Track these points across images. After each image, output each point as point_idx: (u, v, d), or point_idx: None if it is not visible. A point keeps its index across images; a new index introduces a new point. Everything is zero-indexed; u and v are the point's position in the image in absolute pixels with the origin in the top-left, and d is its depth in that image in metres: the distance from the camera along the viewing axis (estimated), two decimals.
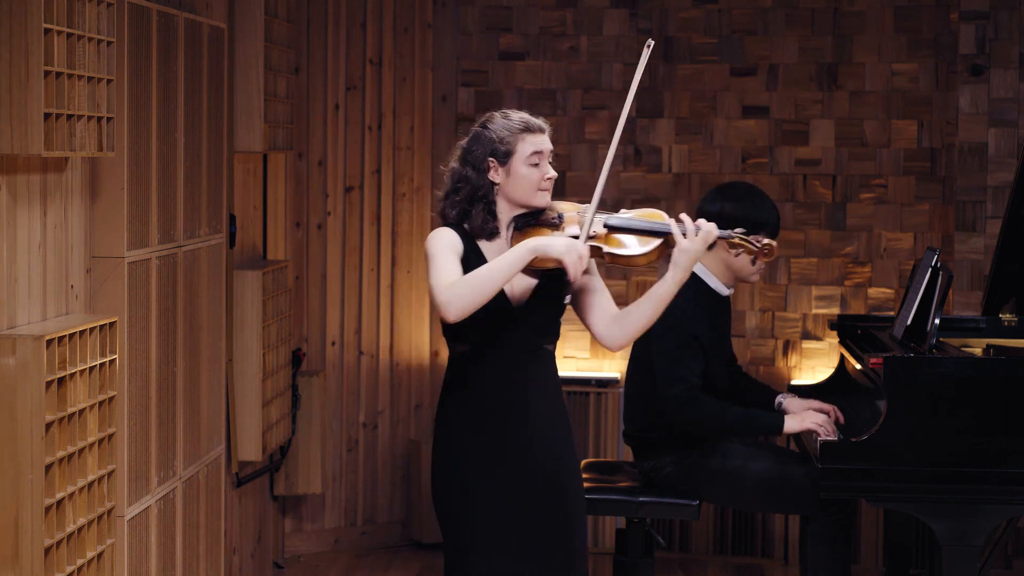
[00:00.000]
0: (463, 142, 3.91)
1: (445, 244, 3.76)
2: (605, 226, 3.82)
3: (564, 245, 3.63)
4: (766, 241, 3.89)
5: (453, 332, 3.84)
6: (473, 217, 3.82)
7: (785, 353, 6.57)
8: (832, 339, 6.44)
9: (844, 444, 4.42)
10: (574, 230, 3.80)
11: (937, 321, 4.56)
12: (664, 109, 6.65)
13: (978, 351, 4.83)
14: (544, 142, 3.84)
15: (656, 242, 3.80)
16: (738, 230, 3.91)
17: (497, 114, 3.90)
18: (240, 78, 5.44)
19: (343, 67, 6.48)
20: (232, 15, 5.40)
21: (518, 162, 3.81)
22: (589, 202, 3.84)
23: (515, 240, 3.83)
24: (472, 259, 3.80)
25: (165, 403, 4.52)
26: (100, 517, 3.84)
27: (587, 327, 3.93)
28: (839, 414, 4.93)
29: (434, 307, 3.67)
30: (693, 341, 4.88)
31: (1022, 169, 4.99)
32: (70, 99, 3.67)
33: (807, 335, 6.56)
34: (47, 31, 3.55)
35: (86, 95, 3.75)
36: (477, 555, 3.83)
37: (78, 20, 3.71)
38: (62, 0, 3.63)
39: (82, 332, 3.74)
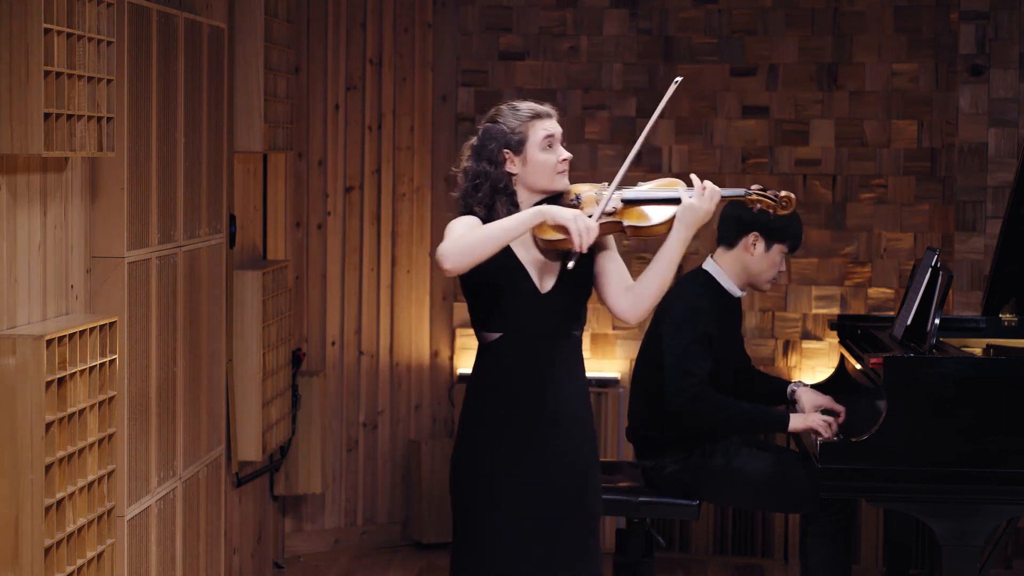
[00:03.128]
0: (474, 141, 3.92)
1: (466, 224, 3.79)
2: (622, 200, 3.84)
3: (571, 213, 3.65)
4: (784, 193, 3.89)
5: (483, 320, 3.84)
6: (498, 210, 3.83)
7: (785, 353, 6.57)
8: (832, 339, 6.44)
9: (844, 444, 4.42)
10: (592, 209, 3.81)
11: (937, 321, 4.56)
12: (664, 109, 6.63)
13: (978, 351, 4.83)
14: (554, 126, 3.88)
15: (673, 209, 3.82)
16: (755, 187, 3.90)
17: (504, 107, 3.92)
18: (240, 78, 5.44)
19: (343, 67, 6.48)
20: (232, 15, 5.40)
21: (533, 149, 3.84)
22: (608, 183, 3.85)
23: (535, 230, 3.83)
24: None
25: (165, 403, 4.52)
26: (100, 517, 3.84)
27: (605, 304, 3.92)
28: (840, 413, 4.94)
29: (435, 265, 3.69)
30: (705, 338, 4.91)
31: (1022, 169, 4.99)
32: (70, 99, 3.67)
33: (807, 335, 6.56)
34: (47, 31, 3.55)
35: (86, 95, 3.75)
36: (495, 547, 3.82)
37: (78, 20, 3.71)
38: (62, 0, 3.63)
39: (82, 332, 3.74)
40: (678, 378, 4.87)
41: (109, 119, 3.88)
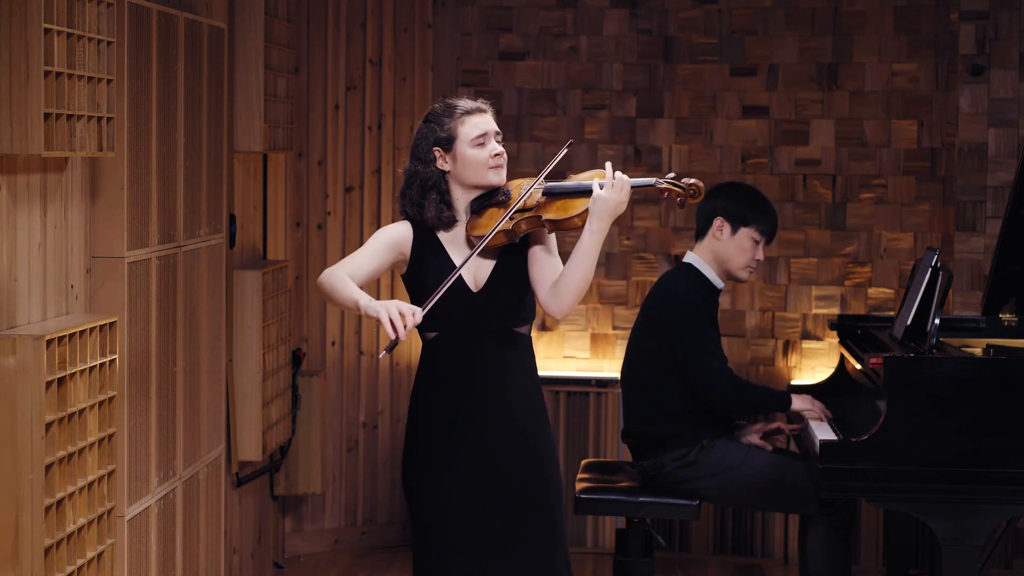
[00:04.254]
0: (412, 142, 3.92)
1: (378, 239, 3.84)
2: (543, 194, 3.80)
3: (383, 306, 3.59)
4: (691, 181, 3.80)
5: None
6: (427, 208, 3.82)
7: (785, 353, 6.57)
8: (832, 339, 6.44)
9: (844, 444, 4.42)
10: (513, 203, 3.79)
11: (937, 321, 4.56)
12: (664, 109, 6.65)
13: (978, 351, 4.83)
14: (487, 122, 3.84)
15: (588, 201, 3.75)
16: (669, 175, 3.85)
17: (438, 105, 3.91)
18: (240, 78, 5.44)
19: (343, 67, 6.48)
20: (232, 15, 5.40)
21: (462, 145, 3.82)
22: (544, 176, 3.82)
23: (471, 223, 3.82)
24: (427, 252, 3.82)
25: (165, 403, 4.52)
26: (100, 517, 3.84)
27: (537, 299, 3.86)
28: (826, 412, 5.05)
29: None
30: (711, 323, 4.99)
31: (1022, 169, 4.99)
32: (70, 99, 3.67)
33: (807, 335, 6.56)
34: (47, 31, 3.55)
35: (86, 95, 3.75)
36: (445, 546, 3.81)
37: (78, 20, 3.71)
38: (62, 0, 3.63)
39: (82, 332, 3.74)
40: (706, 377, 4.96)
41: (109, 119, 3.88)
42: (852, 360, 5.11)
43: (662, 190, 3.81)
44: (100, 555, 3.83)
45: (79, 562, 3.72)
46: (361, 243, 6.56)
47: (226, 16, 5.33)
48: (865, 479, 4.37)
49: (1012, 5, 6.14)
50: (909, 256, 6.47)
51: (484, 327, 3.82)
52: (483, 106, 3.88)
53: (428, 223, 3.83)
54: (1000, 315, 5.24)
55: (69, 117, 3.67)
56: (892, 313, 6.17)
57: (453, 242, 3.84)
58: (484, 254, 3.80)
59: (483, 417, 3.82)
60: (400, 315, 3.56)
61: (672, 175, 3.86)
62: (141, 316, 4.32)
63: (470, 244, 3.82)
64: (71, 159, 4.02)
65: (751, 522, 6.51)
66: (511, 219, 3.76)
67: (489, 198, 3.85)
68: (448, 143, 3.82)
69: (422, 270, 3.81)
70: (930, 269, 4.78)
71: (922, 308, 4.79)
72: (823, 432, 4.81)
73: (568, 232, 3.84)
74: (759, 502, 5.18)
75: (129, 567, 4.23)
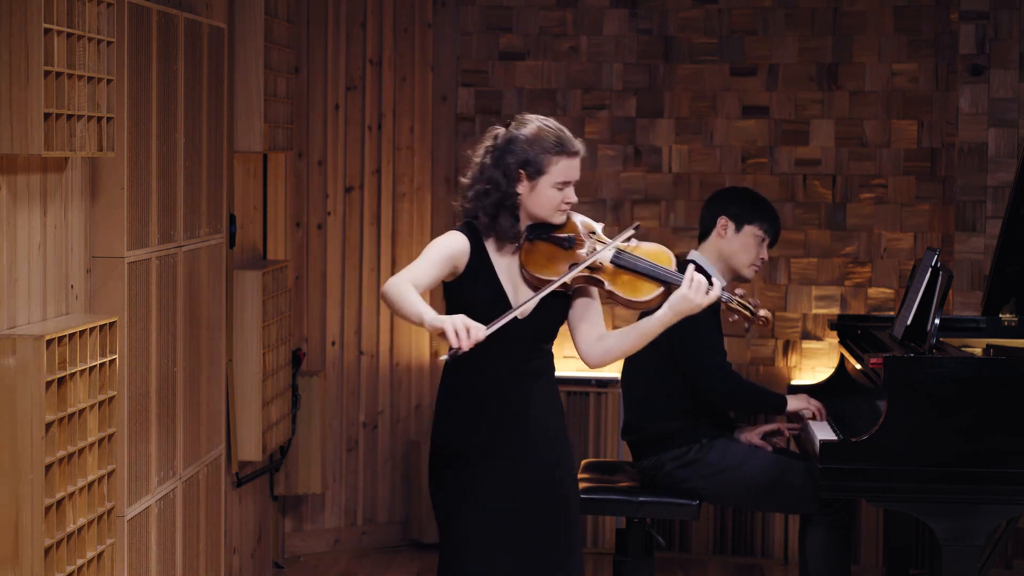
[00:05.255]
0: (497, 139, 3.88)
1: (439, 250, 3.79)
2: (612, 261, 3.84)
3: (449, 320, 3.56)
4: (763, 313, 3.90)
5: None
6: (500, 222, 3.84)
7: (785, 353, 6.57)
8: (832, 339, 6.44)
9: (844, 444, 4.42)
10: (581, 256, 3.82)
11: (937, 321, 4.56)
12: (664, 109, 6.65)
13: (978, 351, 4.83)
14: (575, 170, 3.85)
15: (659, 290, 3.82)
16: (739, 292, 3.92)
17: (536, 122, 3.87)
18: (240, 78, 5.44)
19: (343, 67, 6.48)
20: (232, 15, 5.40)
21: (545, 183, 3.82)
22: (603, 223, 3.90)
23: (526, 250, 3.84)
24: (480, 271, 3.82)
25: (165, 403, 4.52)
26: (100, 517, 3.84)
27: (574, 343, 3.95)
28: (822, 410, 5.07)
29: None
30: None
31: (1022, 169, 4.99)
32: (70, 99, 3.67)
33: (807, 335, 6.56)
34: (47, 31, 3.55)
35: (86, 95, 3.75)
36: (470, 553, 3.83)
37: (78, 20, 3.71)
38: (62, 0, 3.63)
39: (82, 332, 3.74)
40: (703, 364, 4.99)
41: (109, 119, 3.88)
42: (852, 360, 5.11)
43: (732, 310, 3.89)
44: (100, 555, 3.83)
45: (79, 562, 3.72)
46: (361, 243, 6.58)
47: (226, 16, 5.33)
48: (865, 479, 4.37)
49: (1012, 5, 6.14)
50: (909, 256, 6.47)
51: (518, 346, 3.85)
52: (579, 148, 3.87)
53: (496, 234, 3.84)
54: (1000, 315, 5.24)
55: (69, 117, 3.67)
56: (892, 313, 6.17)
57: (502, 259, 3.85)
58: (530, 286, 3.84)
59: (511, 424, 3.86)
60: (466, 329, 3.56)
61: (742, 293, 3.92)
62: (141, 316, 4.32)
63: (523, 274, 3.84)
64: (71, 159, 4.02)
65: (751, 522, 6.51)
66: (571, 270, 3.79)
67: (547, 231, 3.87)
68: (535, 173, 3.82)
69: (472, 290, 3.81)
70: (930, 269, 4.78)
71: (922, 308, 4.79)
72: (823, 432, 4.81)
73: (620, 305, 3.89)
74: (759, 502, 5.19)
75: (129, 567, 4.23)
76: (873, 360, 4.63)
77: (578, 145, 3.86)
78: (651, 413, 5.08)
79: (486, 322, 3.65)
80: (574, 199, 3.85)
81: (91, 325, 3.79)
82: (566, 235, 3.86)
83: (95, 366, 3.80)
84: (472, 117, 6.69)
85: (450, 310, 3.85)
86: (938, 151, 6.46)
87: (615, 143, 6.67)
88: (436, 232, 6.72)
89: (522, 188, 3.83)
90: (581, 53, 6.68)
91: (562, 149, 3.82)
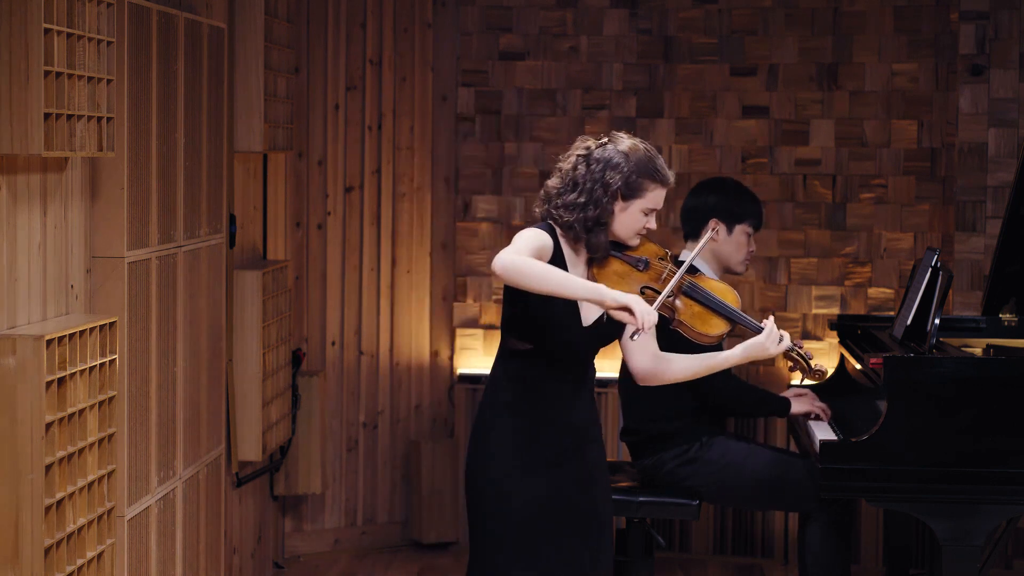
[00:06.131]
0: (592, 152, 3.88)
1: (531, 240, 3.78)
2: (683, 291, 3.96)
3: (634, 298, 3.66)
4: (816, 365, 4.09)
5: (519, 327, 3.87)
6: (595, 237, 3.87)
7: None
8: (832, 339, 6.44)
9: (844, 444, 4.42)
10: (655, 285, 3.91)
11: (937, 321, 4.56)
12: (664, 109, 6.65)
13: (978, 351, 4.83)
14: (662, 199, 3.93)
15: (727, 327, 3.99)
16: (799, 343, 4.10)
17: (643, 147, 3.90)
18: (240, 78, 5.44)
19: (343, 67, 6.48)
20: (232, 15, 5.40)
21: (635, 207, 3.88)
22: (675, 254, 3.96)
23: (598, 264, 3.89)
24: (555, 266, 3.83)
25: (165, 403, 4.52)
26: (100, 517, 3.84)
27: (625, 357, 4.04)
28: (827, 411, 5.07)
29: (491, 270, 3.71)
30: None
31: (1022, 169, 4.99)
32: (70, 99, 3.67)
33: (807, 335, 6.56)
34: (47, 31, 3.55)
35: (86, 95, 3.75)
36: (509, 555, 3.86)
37: (78, 20, 3.71)
38: (62, 0, 3.63)
39: (82, 332, 3.74)
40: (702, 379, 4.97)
41: (109, 119, 3.88)
42: (852, 360, 5.11)
43: (791, 359, 4.11)
44: (100, 555, 3.84)
45: (79, 562, 3.72)
46: (361, 243, 6.58)
47: (226, 16, 5.33)
48: (865, 479, 4.37)
49: (1012, 5, 6.14)
50: (909, 256, 6.47)
51: (577, 357, 3.92)
52: (671, 179, 3.93)
53: (588, 247, 3.87)
54: (1000, 315, 5.24)
55: (69, 117, 3.67)
56: (892, 313, 6.17)
57: (575, 270, 3.88)
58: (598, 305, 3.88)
59: (559, 429, 3.90)
60: (649, 313, 3.65)
61: (802, 350, 4.10)
62: (141, 316, 4.32)
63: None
64: (71, 159, 4.02)
65: (751, 522, 6.51)
66: (643, 293, 3.88)
67: (620, 250, 3.94)
68: (631, 195, 3.86)
69: (545, 296, 3.78)
70: (930, 269, 4.78)
71: (922, 308, 4.79)
72: (823, 432, 4.81)
73: (683, 334, 3.99)
74: (759, 500, 5.19)
75: (129, 567, 4.23)
76: (873, 360, 4.63)
77: (672, 177, 3.93)
78: (650, 414, 5.08)
79: (553, 329, 3.79)
80: (653, 226, 3.94)
81: (91, 325, 3.79)
82: (640, 256, 3.94)
83: (95, 366, 3.80)
84: (472, 117, 6.69)
85: (511, 314, 3.88)
86: (938, 151, 6.46)
87: None
88: (436, 232, 6.73)
89: (614, 207, 3.86)
90: (581, 53, 6.68)
91: (660, 177, 3.89)
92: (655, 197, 3.89)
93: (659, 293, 3.87)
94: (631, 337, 3.67)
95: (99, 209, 4.19)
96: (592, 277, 3.89)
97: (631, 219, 3.88)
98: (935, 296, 4.65)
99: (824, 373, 4.10)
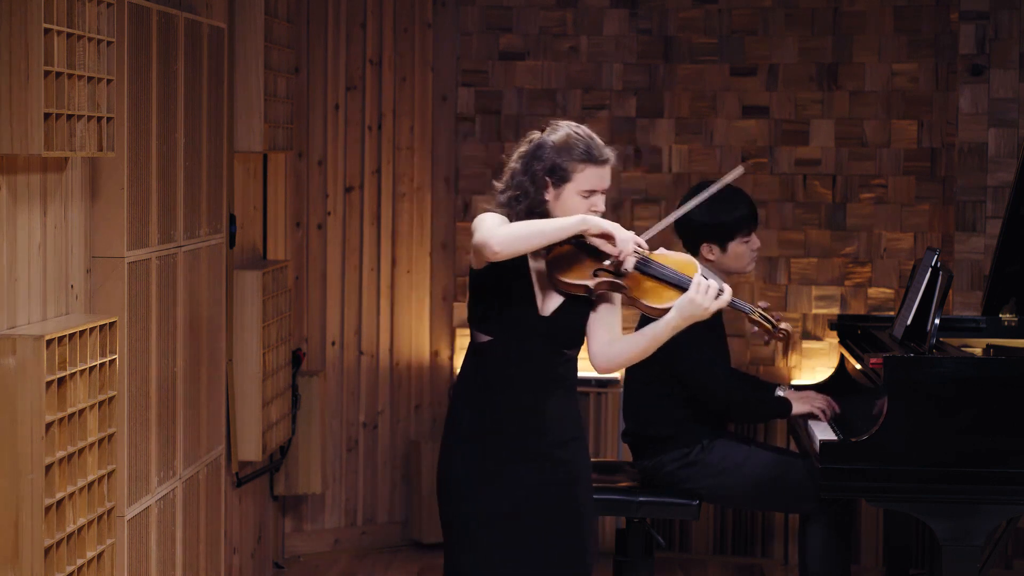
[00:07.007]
0: (529, 144, 3.87)
1: (500, 220, 3.77)
2: (637, 269, 3.83)
3: (616, 225, 3.65)
4: (784, 326, 3.91)
5: (479, 319, 3.84)
6: None
7: (785, 353, 6.57)
8: (832, 339, 6.44)
9: (844, 444, 4.42)
10: (605, 262, 3.82)
11: (937, 321, 4.56)
12: (664, 109, 6.65)
13: (978, 351, 4.83)
14: (602, 179, 3.82)
15: (676, 296, 3.81)
16: (761, 304, 3.93)
17: (566, 128, 3.86)
18: (240, 78, 5.44)
19: (343, 67, 6.48)
20: (232, 15, 5.40)
21: (570, 191, 3.81)
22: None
23: (553, 256, 3.81)
24: (510, 264, 3.79)
25: (165, 403, 4.52)
26: (100, 517, 3.84)
27: (587, 342, 3.93)
28: (834, 405, 5.03)
29: (475, 249, 3.66)
30: (712, 332, 4.96)
31: (1022, 169, 4.99)
32: (70, 99, 3.67)
33: (807, 335, 6.56)
34: (47, 31, 3.55)
35: (86, 95, 3.75)
36: (477, 555, 3.83)
37: (78, 20, 3.71)
38: (62, 0, 3.63)
39: (82, 332, 3.74)
40: (705, 386, 4.99)
41: (109, 119, 3.88)
42: (852, 360, 5.11)
43: (754, 322, 3.89)
44: (100, 555, 3.83)
45: (79, 562, 3.72)
46: (361, 243, 6.58)
47: (226, 16, 5.33)
48: (865, 479, 4.37)
49: (1012, 5, 6.14)
50: (909, 256, 6.47)
51: (539, 347, 3.84)
52: (610, 157, 3.84)
53: None
54: (1000, 315, 5.24)
55: (69, 117, 3.67)
56: (892, 313, 6.17)
57: (533, 260, 3.84)
58: (556, 289, 3.83)
59: (523, 427, 3.84)
60: (630, 239, 3.66)
61: (765, 306, 3.93)
62: (141, 316, 4.32)
63: (548, 276, 3.81)
64: (71, 159, 4.02)
65: (751, 522, 6.51)
66: (595, 276, 3.79)
67: (574, 237, 3.84)
68: (560, 181, 3.80)
69: (496, 280, 3.79)
70: (930, 269, 4.78)
71: (922, 308, 4.79)
72: (823, 432, 4.81)
73: (641, 311, 3.88)
74: (759, 502, 5.19)
75: (129, 567, 4.23)
76: (873, 360, 4.63)
77: (607, 153, 3.84)
78: (652, 417, 5.07)
79: (510, 318, 3.71)
80: (601, 208, 3.83)
81: (91, 325, 3.79)
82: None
83: (95, 366, 3.80)
84: (472, 117, 6.69)
85: (472, 306, 3.86)
86: (938, 151, 6.46)
87: (615, 143, 6.63)
88: (436, 232, 6.73)
89: (548, 195, 3.82)
90: (581, 53, 6.68)
91: (589, 157, 3.80)
92: (588, 178, 3.79)
93: (612, 273, 3.79)
94: (626, 270, 3.62)
95: (99, 209, 4.19)
96: (546, 266, 3.82)
97: (570, 204, 3.79)
98: (935, 296, 4.65)
99: (789, 334, 3.91)
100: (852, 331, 5.42)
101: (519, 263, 3.80)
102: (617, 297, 3.90)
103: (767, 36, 6.58)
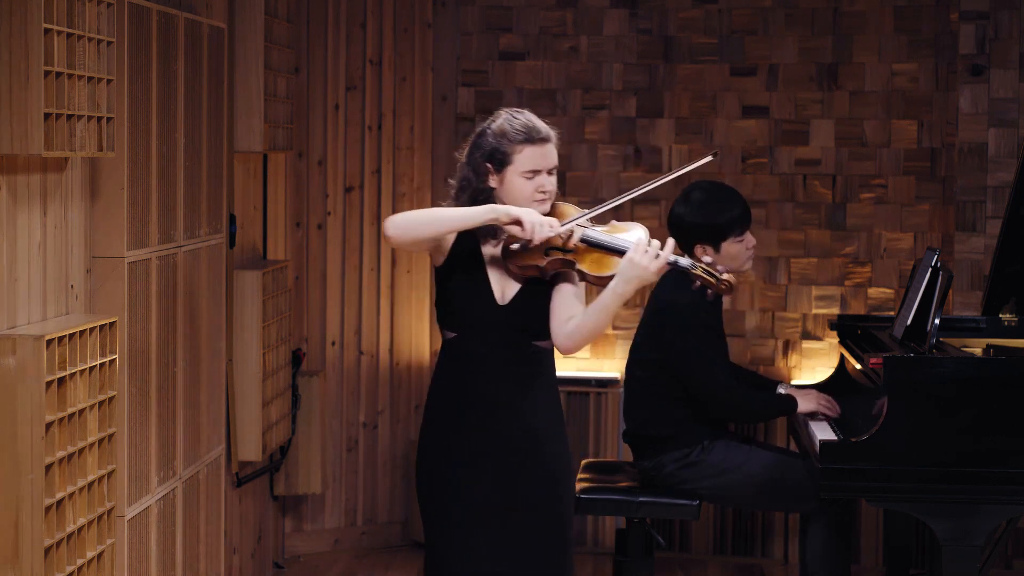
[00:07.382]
0: (472, 137, 3.89)
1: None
2: (581, 240, 3.78)
3: (526, 211, 3.64)
4: (725, 276, 3.79)
5: (442, 316, 3.85)
6: None
7: (785, 353, 6.57)
8: (832, 339, 6.44)
9: (844, 444, 4.42)
10: (556, 240, 3.78)
11: (937, 321, 4.56)
12: (664, 109, 6.65)
13: (978, 351, 4.83)
14: (544, 157, 3.78)
15: (619, 262, 3.74)
16: (705, 259, 3.86)
17: (504, 114, 3.85)
18: (240, 78, 5.44)
19: (343, 67, 6.48)
20: (232, 15, 5.40)
21: (513, 173, 3.78)
22: (590, 208, 3.84)
23: (508, 244, 3.79)
24: (465, 256, 3.80)
25: (165, 403, 4.52)
26: (100, 517, 3.84)
27: (550, 328, 3.86)
28: (836, 405, 5.02)
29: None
30: (711, 331, 4.95)
31: (1022, 169, 4.99)
32: (70, 99, 3.67)
33: (807, 335, 6.56)
34: (47, 31, 3.55)
35: (86, 95, 3.75)
36: (452, 550, 3.81)
37: (78, 20, 3.71)
38: (62, 0, 3.63)
39: (82, 332, 3.74)
40: (707, 388, 4.95)
41: (109, 119, 3.88)
42: (852, 360, 5.11)
43: (696, 276, 3.79)
44: (100, 555, 3.83)
45: (79, 562, 3.72)
46: (361, 243, 6.58)
47: (226, 16, 5.33)
48: (865, 479, 4.37)
49: (1012, 5, 6.14)
50: (909, 256, 6.47)
51: (503, 338, 3.80)
52: (549, 133, 3.80)
53: (480, 230, 3.79)
54: (1000, 315, 5.24)
55: (69, 117, 3.67)
56: (892, 313, 6.17)
57: (492, 253, 3.82)
58: (512, 276, 3.81)
59: (495, 424, 3.82)
60: (542, 225, 3.64)
61: (709, 260, 3.83)
62: (141, 316, 4.32)
63: (503, 264, 3.79)
64: (71, 159, 4.02)
65: (751, 522, 6.51)
66: (546, 255, 3.76)
67: None
68: (500, 165, 3.79)
69: (453, 275, 3.79)
70: (930, 269, 4.78)
71: (922, 308, 4.79)
72: (823, 432, 4.81)
73: (598, 287, 3.82)
74: (760, 502, 5.19)
75: (129, 567, 4.23)
76: (873, 360, 4.63)
77: (545, 131, 3.79)
78: (652, 417, 5.07)
79: (468, 311, 3.70)
80: (550, 187, 3.79)
81: (91, 325, 3.79)
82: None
83: (95, 366, 3.80)
84: (472, 117, 6.68)
85: (438, 297, 3.86)
86: (938, 151, 6.46)
87: (615, 143, 6.67)
88: None
89: (493, 182, 3.80)
90: (581, 53, 6.68)
91: (527, 137, 3.77)
92: (528, 158, 3.76)
93: (560, 250, 3.75)
94: (514, 248, 3.62)
95: (99, 209, 4.19)
96: (501, 251, 3.79)
97: (516, 187, 3.77)
98: (935, 296, 4.65)
99: (732, 283, 3.77)
100: (852, 331, 5.42)
101: (474, 255, 3.79)
102: (575, 276, 3.84)
103: (767, 36, 6.58)
